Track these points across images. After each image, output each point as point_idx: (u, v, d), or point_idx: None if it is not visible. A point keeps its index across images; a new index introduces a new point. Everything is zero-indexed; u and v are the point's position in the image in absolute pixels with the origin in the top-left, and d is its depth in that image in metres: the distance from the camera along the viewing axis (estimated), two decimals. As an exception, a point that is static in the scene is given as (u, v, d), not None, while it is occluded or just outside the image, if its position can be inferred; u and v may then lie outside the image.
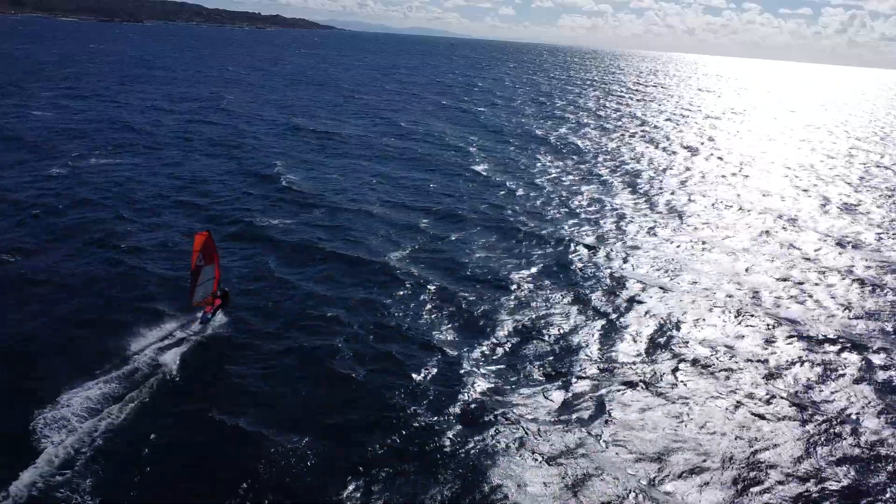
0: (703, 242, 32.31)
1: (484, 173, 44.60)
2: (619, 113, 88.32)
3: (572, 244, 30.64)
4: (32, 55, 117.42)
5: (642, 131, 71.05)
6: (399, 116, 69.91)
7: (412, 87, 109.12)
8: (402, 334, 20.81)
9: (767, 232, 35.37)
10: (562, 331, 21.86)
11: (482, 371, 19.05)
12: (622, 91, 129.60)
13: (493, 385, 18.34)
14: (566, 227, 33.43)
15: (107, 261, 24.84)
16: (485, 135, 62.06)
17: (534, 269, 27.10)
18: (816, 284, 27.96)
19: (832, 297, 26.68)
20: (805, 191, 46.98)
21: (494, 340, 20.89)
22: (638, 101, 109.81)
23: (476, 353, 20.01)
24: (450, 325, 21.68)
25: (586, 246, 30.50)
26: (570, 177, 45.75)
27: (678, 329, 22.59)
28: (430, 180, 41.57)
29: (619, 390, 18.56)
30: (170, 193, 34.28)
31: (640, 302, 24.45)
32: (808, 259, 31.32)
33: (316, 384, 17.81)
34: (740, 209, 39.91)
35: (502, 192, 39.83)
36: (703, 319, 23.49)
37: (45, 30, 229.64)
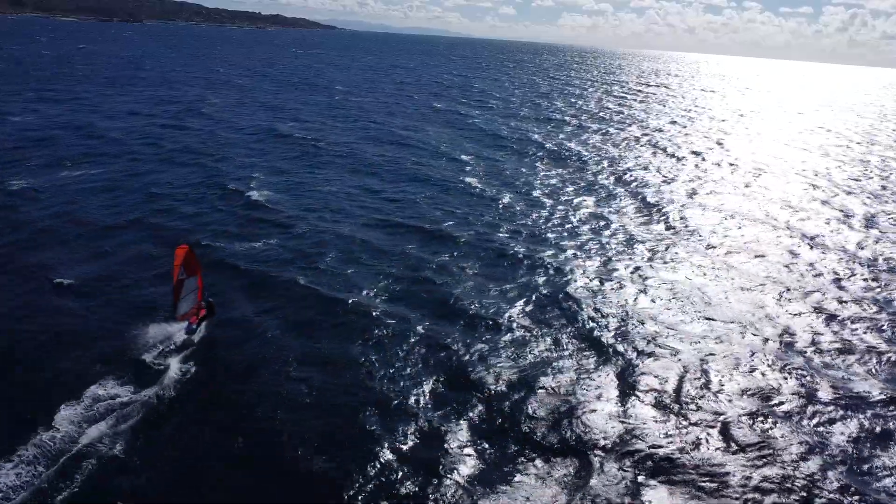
0: (726, 267, 28.89)
1: (479, 185, 41.14)
2: (621, 115, 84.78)
3: (577, 271, 27.19)
4: (26, 56, 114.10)
5: (647, 135, 67.52)
6: (393, 121, 66.46)
7: (409, 88, 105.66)
8: (378, 396, 17.37)
9: (792, 252, 32.01)
10: (570, 386, 18.43)
11: (475, 445, 15.64)
12: (624, 92, 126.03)
13: (488, 466, 14.94)
14: (569, 251, 29.97)
15: (38, 300, 21.35)
16: (481, 140, 58.64)
17: (533, 305, 23.61)
18: (854, 322, 24.48)
19: (876, 337, 23.24)
20: (825, 202, 43.56)
21: (489, 402, 17.47)
22: (640, 102, 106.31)
23: (467, 421, 16.61)
24: (436, 382, 18.24)
25: (593, 274, 27.06)
26: (572, 188, 42.30)
27: (707, 380, 19.19)
28: (420, 194, 38.10)
29: (648, 467, 15.26)
30: (128, 211, 30.81)
31: (660, 346, 21.01)
32: (841, 287, 27.92)
33: (268, 474, 14.39)
34: (761, 223, 36.54)
35: (499, 208, 36.38)
36: (735, 369, 20.05)
37: (44, 30, 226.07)
